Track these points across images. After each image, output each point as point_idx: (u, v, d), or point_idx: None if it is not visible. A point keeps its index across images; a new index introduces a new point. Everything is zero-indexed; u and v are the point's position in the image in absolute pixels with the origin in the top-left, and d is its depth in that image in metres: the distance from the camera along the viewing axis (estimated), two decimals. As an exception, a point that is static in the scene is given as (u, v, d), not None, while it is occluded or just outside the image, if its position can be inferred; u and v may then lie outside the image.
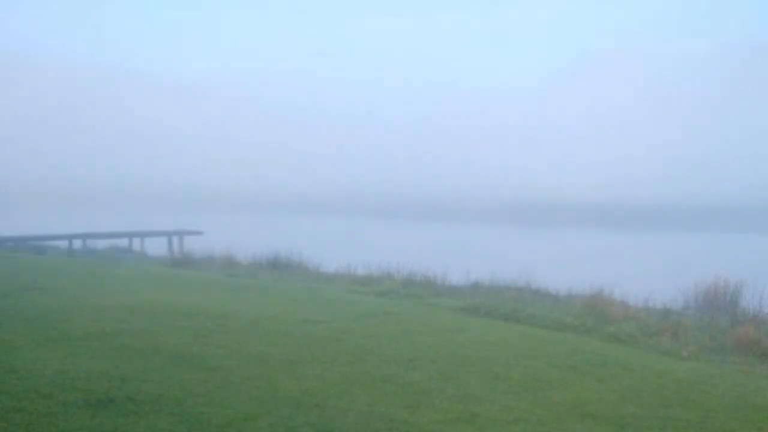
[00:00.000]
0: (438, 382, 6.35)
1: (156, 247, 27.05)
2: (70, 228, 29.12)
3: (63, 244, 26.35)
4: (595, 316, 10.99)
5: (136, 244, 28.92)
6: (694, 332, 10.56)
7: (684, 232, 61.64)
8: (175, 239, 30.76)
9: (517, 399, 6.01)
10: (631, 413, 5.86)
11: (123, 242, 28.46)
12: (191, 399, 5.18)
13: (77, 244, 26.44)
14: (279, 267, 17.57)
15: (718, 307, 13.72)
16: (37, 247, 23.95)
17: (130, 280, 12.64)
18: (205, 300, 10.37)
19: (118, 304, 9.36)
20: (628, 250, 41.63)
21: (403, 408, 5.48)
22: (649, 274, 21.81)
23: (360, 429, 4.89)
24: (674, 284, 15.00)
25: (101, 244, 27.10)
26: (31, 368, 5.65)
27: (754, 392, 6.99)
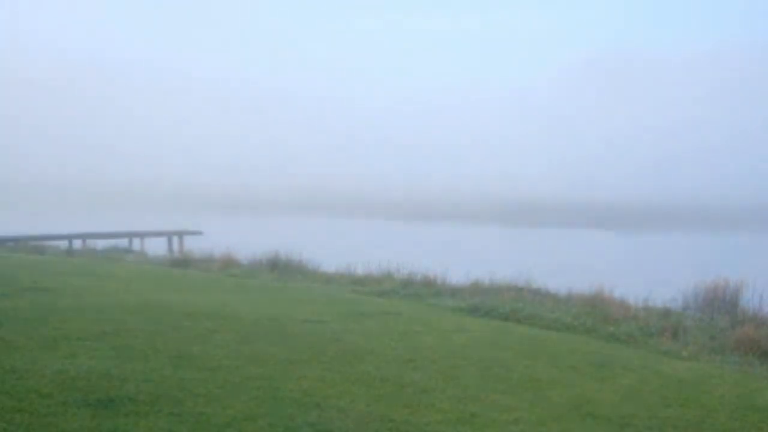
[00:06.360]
0: (438, 382, 6.34)
1: (156, 247, 27.04)
2: (70, 228, 29.15)
3: (63, 244, 26.38)
4: (595, 316, 10.98)
5: (136, 244, 28.97)
6: (694, 332, 10.56)
7: (684, 232, 61.63)
8: (175, 239, 30.79)
9: (517, 399, 6.01)
10: (631, 413, 5.86)
11: (123, 242, 28.50)
12: (191, 399, 5.18)
13: (77, 244, 26.47)
14: (279, 267, 17.54)
15: (718, 307, 13.70)
16: (37, 247, 23.96)
17: (130, 280, 12.63)
18: (205, 300, 10.36)
19: (118, 304, 9.35)
20: (627, 250, 41.64)
21: (403, 408, 5.47)
22: (649, 274, 21.80)
23: (360, 429, 4.89)
24: (674, 284, 15.00)
25: (101, 244, 27.10)
26: (31, 368, 5.64)
27: (754, 392, 6.99)
